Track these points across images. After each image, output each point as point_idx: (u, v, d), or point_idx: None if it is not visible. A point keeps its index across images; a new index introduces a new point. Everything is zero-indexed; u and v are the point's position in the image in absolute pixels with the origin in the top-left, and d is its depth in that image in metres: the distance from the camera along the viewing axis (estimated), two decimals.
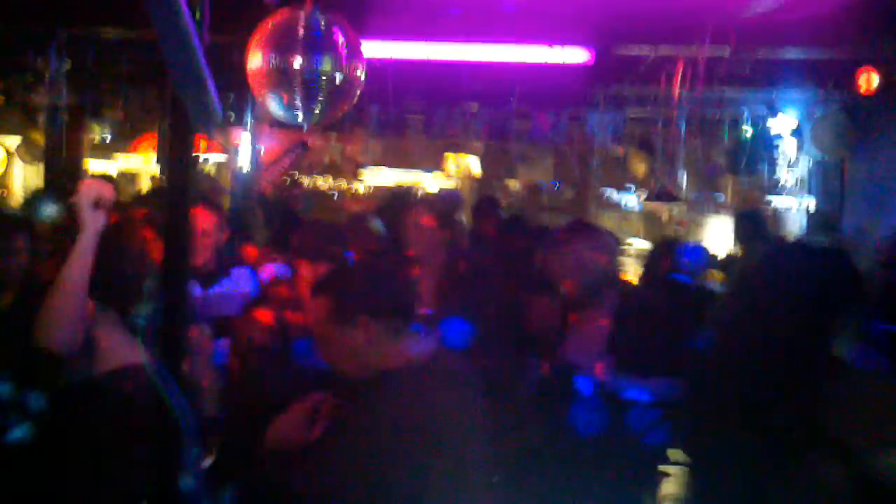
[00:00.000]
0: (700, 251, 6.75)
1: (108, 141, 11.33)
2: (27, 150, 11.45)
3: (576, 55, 6.51)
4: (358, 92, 3.55)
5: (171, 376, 1.77)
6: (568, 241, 4.02)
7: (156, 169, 12.52)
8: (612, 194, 14.16)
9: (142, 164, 12.78)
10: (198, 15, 1.67)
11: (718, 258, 8.02)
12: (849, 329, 2.76)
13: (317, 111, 3.37)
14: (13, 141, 11.89)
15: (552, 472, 3.80)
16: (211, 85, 1.70)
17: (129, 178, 13.12)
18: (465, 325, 4.06)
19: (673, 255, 6.49)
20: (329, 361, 2.72)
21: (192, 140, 1.73)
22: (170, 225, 1.78)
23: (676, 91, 7.62)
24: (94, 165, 11.88)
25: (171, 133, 1.70)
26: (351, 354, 2.61)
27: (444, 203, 4.53)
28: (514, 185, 14.97)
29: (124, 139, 11.50)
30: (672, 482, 4.00)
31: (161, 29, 1.56)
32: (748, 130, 9.71)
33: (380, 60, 6.32)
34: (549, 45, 6.41)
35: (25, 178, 12.49)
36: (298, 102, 3.31)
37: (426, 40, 6.63)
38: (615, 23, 6.08)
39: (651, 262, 6.89)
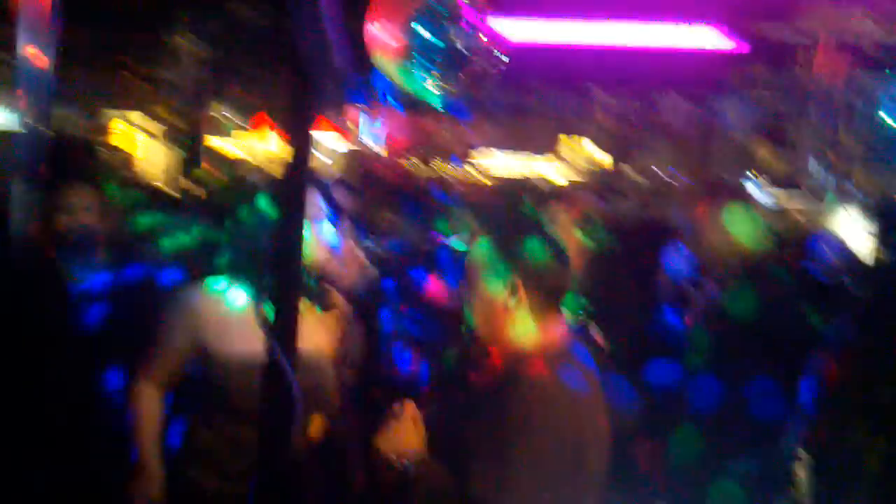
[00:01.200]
0: (832, 241, 6.36)
1: (228, 118, 11.53)
2: (150, 124, 11.74)
3: (709, 35, 6.16)
4: (495, 67, 3.37)
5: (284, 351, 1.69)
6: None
7: (275, 148, 12.68)
8: (733, 183, 13.63)
9: (259, 143, 12.97)
10: None
11: (857, 255, 7.54)
12: None
13: (450, 87, 3.20)
14: (137, 116, 12.20)
15: None
16: (337, 39, 1.57)
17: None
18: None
19: (807, 246, 6.14)
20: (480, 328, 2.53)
21: (312, 103, 1.59)
22: (285, 193, 1.64)
23: (816, 74, 7.17)
24: (213, 142, 12.11)
25: (289, 93, 1.57)
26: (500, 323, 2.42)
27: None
28: (629, 171, 14.61)
29: (244, 117, 11.67)
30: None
31: None
32: (886, 118, 9.15)
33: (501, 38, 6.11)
34: (681, 24, 6.10)
35: (146, 151, 12.82)
36: (432, 78, 3.16)
37: (553, 18, 6.41)
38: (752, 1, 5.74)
39: (788, 251, 6.57)
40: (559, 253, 2.45)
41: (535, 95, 10.46)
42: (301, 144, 1.57)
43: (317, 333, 2.88)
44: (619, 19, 6.37)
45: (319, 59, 1.56)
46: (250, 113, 11.84)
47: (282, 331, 1.65)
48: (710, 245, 3.82)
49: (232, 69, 9.01)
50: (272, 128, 11.08)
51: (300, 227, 1.62)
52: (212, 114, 10.84)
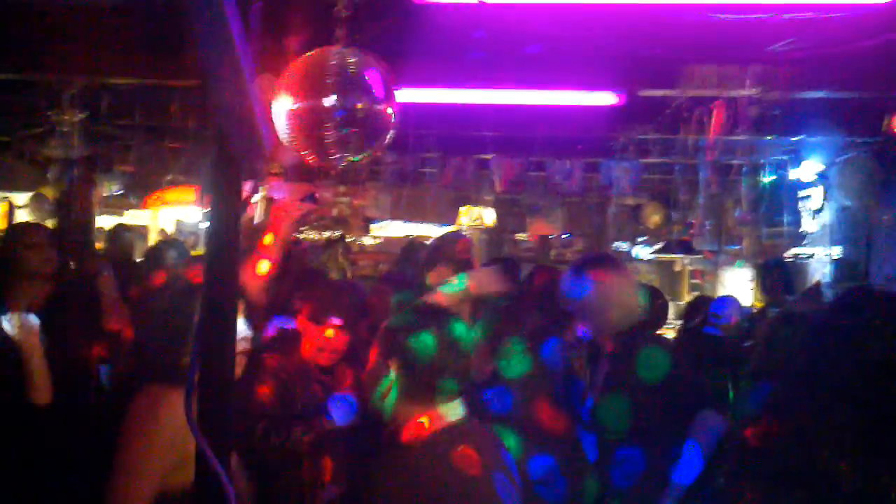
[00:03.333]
0: (732, 303, 6.55)
1: (118, 195, 11.20)
2: (37, 206, 11.29)
3: (604, 98, 6.38)
4: (390, 134, 3.39)
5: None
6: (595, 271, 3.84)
7: (165, 224, 12.38)
8: (623, 246, 13.98)
9: (151, 220, 12.72)
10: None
11: (752, 311, 7.80)
12: None
13: (351, 152, 3.20)
14: (22, 196, 11.75)
15: None
16: (259, 111, 1.52)
17: (140, 233, 12.95)
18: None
19: (707, 309, 6.35)
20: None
21: (238, 178, 1.53)
22: (213, 273, 1.53)
23: (701, 136, 7.45)
24: (103, 221, 11.74)
25: (215, 171, 1.50)
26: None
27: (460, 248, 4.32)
28: (523, 237, 14.85)
29: (135, 194, 11.36)
30: None
31: (206, 50, 1.38)
32: (769, 178, 9.55)
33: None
34: (577, 90, 6.30)
35: None
36: (331, 143, 3.15)
37: (446, 86, 6.50)
38: (642, 65, 5.94)
39: (687, 316, 6.82)
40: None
41: (432, 165, 10.53)
42: (230, 220, 1.50)
43: None
44: (514, 86, 6.53)
45: (244, 133, 1.50)
46: (141, 190, 11.54)
47: (215, 431, 1.51)
48: (609, 312, 3.84)
49: (123, 145, 8.79)
50: (167, 204, 10.82)
51: (233, 308, 1.52)
52: (103, 193, 10.51)
